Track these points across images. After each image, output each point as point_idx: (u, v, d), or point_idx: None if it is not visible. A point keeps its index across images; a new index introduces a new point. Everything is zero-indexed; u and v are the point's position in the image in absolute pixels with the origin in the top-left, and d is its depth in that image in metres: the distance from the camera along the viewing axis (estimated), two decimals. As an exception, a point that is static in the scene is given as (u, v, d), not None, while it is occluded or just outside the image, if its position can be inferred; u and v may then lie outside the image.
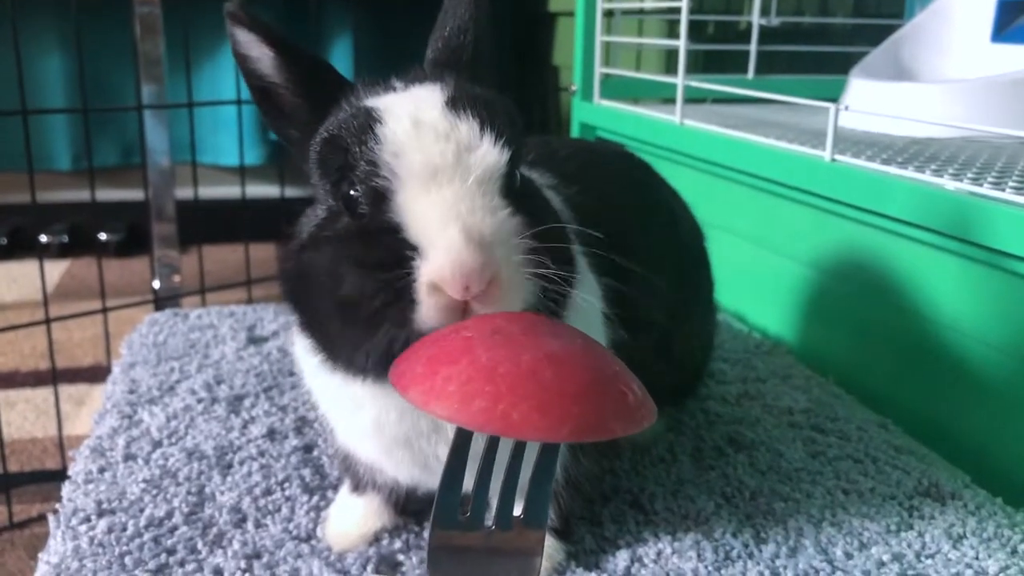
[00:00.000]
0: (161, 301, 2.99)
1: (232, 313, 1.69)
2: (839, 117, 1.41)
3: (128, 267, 3.57)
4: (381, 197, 0.76)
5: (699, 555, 1.01)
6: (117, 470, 1.16)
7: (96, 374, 2.68)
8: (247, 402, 1.34)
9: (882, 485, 1.15)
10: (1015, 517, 1.10)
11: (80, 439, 2.36)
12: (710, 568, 0.99)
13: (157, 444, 1.21)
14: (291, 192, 3.05)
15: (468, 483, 0.73)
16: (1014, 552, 1.02)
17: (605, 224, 1.07)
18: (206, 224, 2.78)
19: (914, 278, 1.40)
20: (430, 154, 0.75)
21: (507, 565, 0.73)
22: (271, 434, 1.25)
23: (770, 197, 1.66)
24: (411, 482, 0.98)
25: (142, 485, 1.11)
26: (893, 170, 1.32)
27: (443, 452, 0.87)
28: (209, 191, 2.83)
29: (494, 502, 0.75)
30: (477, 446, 0.72)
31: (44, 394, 2.53)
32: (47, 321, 2.09)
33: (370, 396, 0.86)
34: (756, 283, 1.80)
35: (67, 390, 2.58)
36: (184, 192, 3.07)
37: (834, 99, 1.92)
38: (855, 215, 1.44)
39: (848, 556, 1.02)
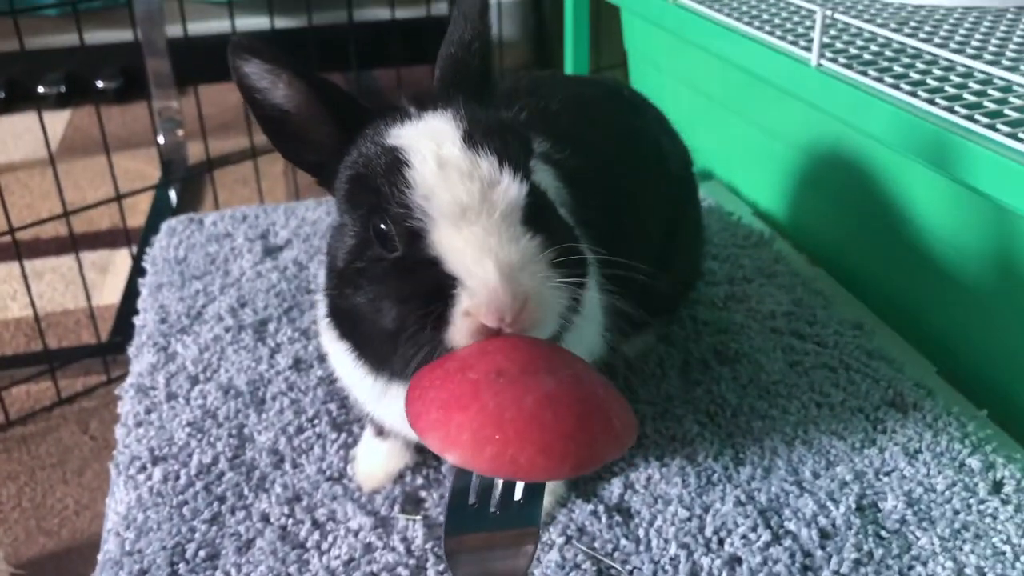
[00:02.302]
0: (169, 172, 3.05)
1: (244, 217, 1.77)
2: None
3: (129, 114, 3.58)
4: (416, 235, 0.84)
5: (683, 480, 1.15)
6: (162, 411, 1.28)
7: (115, 238, 2.78)
8: (271, 327, 1.45)
9: (852, 397, 1.28)
10: (967, 427, 1.22)
11: (109, 309, 2.52)
12: (693, 493, 1.13)
13: (195, 381, 1.34)
14: (281, 23, 3.03)
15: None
16: (961, 467, 1.16)
17: (596, 182, 1.15)
18: (200, 62, 2.78)
19: (896, 181, 1.46)
20: (457, 194, 0.83)
21: (505, 553, 0.87)
22: (297, 364, 1.37)
23: (761, 84, 1.69)
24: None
25: (187, 429, 1.25)
26: (878, 86, 1.34)
27: None
28: (199, 27, 2.81)
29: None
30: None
31: (68, 262, 2.64)
32: (66, 214, 2.18)
33: (398, 391, 0.96)
34: (749, 159, 1.86)
35: (89, 257, 2.69)
36: (175, 30, 3.05)
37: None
38: (841, 120, 1.47)
39: (815, 476, 1.16)
